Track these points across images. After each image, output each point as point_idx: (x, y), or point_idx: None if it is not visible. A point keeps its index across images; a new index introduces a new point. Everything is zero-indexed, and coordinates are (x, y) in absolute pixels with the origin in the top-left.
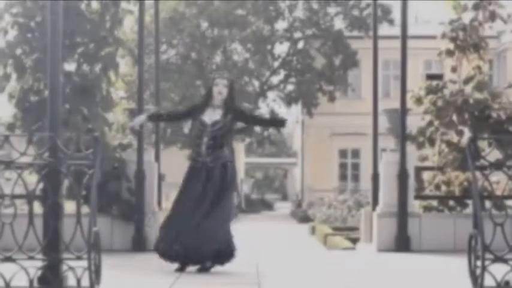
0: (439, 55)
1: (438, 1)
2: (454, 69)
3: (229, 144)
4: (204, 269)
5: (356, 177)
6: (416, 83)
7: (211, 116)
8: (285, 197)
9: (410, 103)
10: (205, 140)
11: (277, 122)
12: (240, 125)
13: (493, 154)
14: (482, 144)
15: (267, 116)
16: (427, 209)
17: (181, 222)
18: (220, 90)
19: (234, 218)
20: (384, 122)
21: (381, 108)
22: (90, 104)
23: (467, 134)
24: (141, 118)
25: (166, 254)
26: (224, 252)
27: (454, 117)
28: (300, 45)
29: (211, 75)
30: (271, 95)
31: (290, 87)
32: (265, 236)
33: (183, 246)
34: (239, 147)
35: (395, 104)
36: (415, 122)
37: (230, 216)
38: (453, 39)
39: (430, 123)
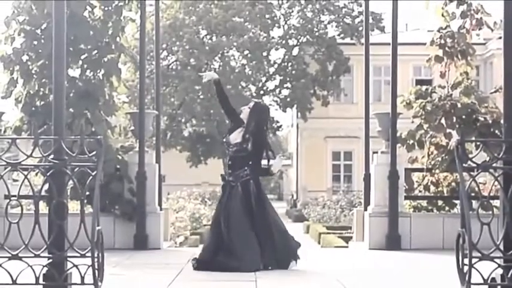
0: (428, 61)
1: (427, 9)
2: (442, 75)
3: (254, 162)
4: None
5: (349, 178)
6: (406, 88)
7: (235, 137)
8: (280, 197)
9: (400, 107)
10: (227, 160)
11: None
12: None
13: (480, 156)
14: (470, 146)
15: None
16: (417, 208)
17: (216, 239)
18: (243, 109)
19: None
20: (375, 126)
21: (372, 112)
22: (93, 108)
23: (455, 136)
24: (213, 74)
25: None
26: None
27: (443, 121)
28: (295, 51)
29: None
30: (267, 99)
31: (285, 92)
32: None
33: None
34: None
35: (386, 108)
36: (405, 125)
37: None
38: (441, 46)
39: (420, 127)
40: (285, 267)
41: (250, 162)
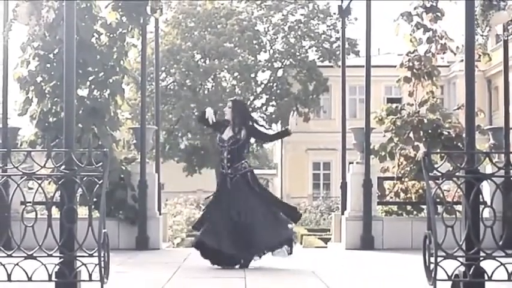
0: (398, 82)
1: (397, 36)
2: (410, 94)
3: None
4: (245, 265)
5: (327, 186)
6: (378, 106)
7: (228, 133)
8: None
9: (373, 123)
10: (225, 155)
11: (284, 134)
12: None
13: (445, 166)
14: (435, 157)
15: (272, 131)
16: (388, 213)
17: (220, 229)
18: (225, 111)
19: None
20: (351, 139)
21: (348, 127)
22: (100, 124)
23: (422, 149)
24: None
25: (205, 254)
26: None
27: (411, 135)
28: (279, 73)
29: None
30: (254, 116)
31: (271, 109)
32: None
33: (227, 248)
34: None
35: (361, 124)
36: (377, 138)
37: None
38: (410, 68)
39: (390, 140)
40: (273, 252)
41: (245, 152)
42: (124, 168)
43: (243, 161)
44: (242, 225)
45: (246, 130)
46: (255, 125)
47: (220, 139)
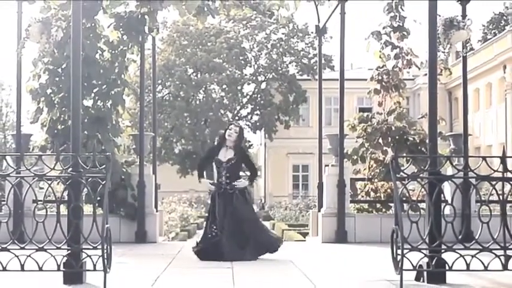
0: (369, 93)
1: (368, 52)
2: (380, 104)
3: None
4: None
5: (306, 186)
6: (351, 115)
7: (225, 155)
8: (251, 201)
9: (346, 130)
10: (223, 173)
11: (253, 176)
12: None
13: (410, 168)
14: (402, 161)
15: (252, 169)
16: (360, 210)
17: (215, 236)
18: (231, 133)
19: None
20: (326, 144)
21: (324, 133)
22: (103, 131)
23: (390, 153)
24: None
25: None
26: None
27: (380, 141)
28: (263, 85)
29: (228, 123)
30: (240, 123)
31: (255, 118)
32: None
33: (224, 254)
34: None
35: (335, 130)
36: (350, 144)
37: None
38: (379, 81)
39: (362, 145)
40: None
41: (241, 173)
42: (125, 170)
43: (241, 179)
44: (233, 232)
45: (241, 154)
46: (247, 152)
47: (217, 161)
